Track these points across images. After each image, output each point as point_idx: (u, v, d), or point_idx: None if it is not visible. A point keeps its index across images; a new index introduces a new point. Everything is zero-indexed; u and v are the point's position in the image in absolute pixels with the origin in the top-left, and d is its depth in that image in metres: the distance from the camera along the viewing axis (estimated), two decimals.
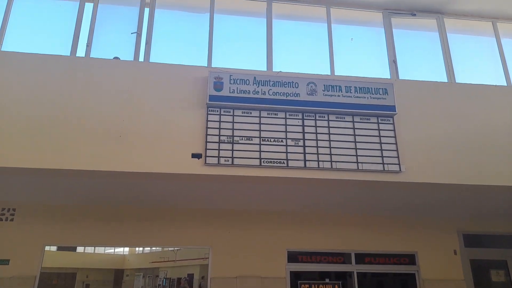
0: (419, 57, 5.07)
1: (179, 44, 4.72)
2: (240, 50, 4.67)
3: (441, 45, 5.00)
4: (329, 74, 4.28)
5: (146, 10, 4.62)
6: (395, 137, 3.72)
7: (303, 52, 4.87)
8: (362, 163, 3.57)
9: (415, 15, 5.13)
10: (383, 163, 3.61)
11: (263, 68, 4.21)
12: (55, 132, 3.43)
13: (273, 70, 4.12)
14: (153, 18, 4.61)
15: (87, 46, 4.41)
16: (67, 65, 3.76)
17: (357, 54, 4.97)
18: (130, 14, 4.63)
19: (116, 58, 4.01)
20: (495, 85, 4.36)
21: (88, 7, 4.65)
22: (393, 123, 3.77)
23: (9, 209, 4.70)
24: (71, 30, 4.42)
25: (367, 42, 5.18)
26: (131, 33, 4.40)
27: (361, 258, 4.90)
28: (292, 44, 4.89)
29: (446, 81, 4.62)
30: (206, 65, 4.05)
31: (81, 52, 4.29)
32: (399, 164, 3.63)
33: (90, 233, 4.60)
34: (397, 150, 3.69)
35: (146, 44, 4.42)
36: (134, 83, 3.67)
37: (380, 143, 3.68)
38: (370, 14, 5.16)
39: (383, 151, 3.65)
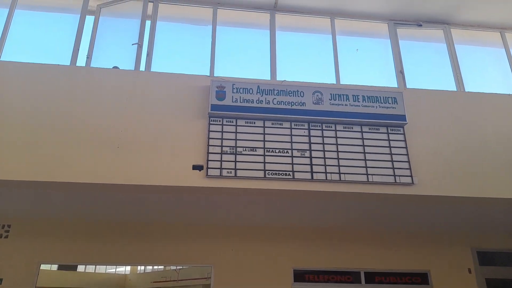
0: (425, 68, 4.96)
1: (180, 56, 4.64)
2: (243, 61, 4.58)
3: (449, 55, 4.89)
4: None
5: (148, 23, 4.57)
6: (406, 147, 3.55)
7: (307, 63, 4.77)
8: (372, 175, 3.40)
9: (421, 25, 5.04)
10: (394, 175, 3.43)
11: (267, 78, 4.09)
12: (50, 143, 3.30)
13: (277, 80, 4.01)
14: (155, 30, 4.54)
15: (87, 58, 4.33)
16: (65, 75, 3.66)
17: (363, 65, 4.87)
18: (131, 27, 4.56)
19: (115, 67, 3.91)
20: (508, 94, 4.21)
21: (89, 19, 4.60)
22: (403, 133, 3.61)
23: (4, 225, 4.52)
24: (71, 42, 4.36)
25: (373, 53, 5.08)
26: (132, 44, 4.32)
27: (371, 277, 4.64)
28: (296, 55, 4.79)
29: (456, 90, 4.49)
30: (208, 75, 3.94)
31: (81, 64, 4.22)
32: (411, 176, 3.45)
33: (88, 251, 4.39)
34: (408, 162, 3.51)
35: (147, 55, 4.33)
36: (133, 93, 3.56)
37: (391, 154, 3.51)
38: (375, 25, 5.08)
39: (394, 163, 3.48)
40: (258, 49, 4.74)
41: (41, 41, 4.59)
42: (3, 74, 3.58)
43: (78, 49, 4.33)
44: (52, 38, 4.64)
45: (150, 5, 4.62)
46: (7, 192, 3.67)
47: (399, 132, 3.60)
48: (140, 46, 4.28)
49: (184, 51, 4.63)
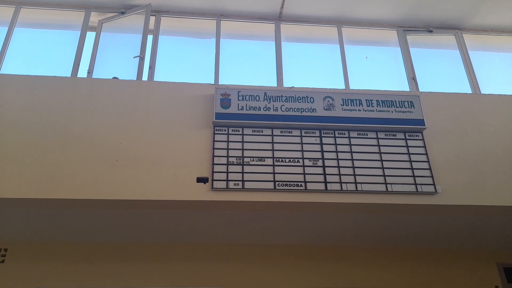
0: (438, 74, 4.76)
1: (184, 68, 4.51)
2: (248, 70, 4.43)
3: (462, 60, 4.70)
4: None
5: (150, 37, 4.46)
6: (426, 154, 3.29)
7: (315, 72, 4.61)
8: (391, 184, 3.13)
9: (431, 31, 4.88)
10: (415, 184, 3.16)
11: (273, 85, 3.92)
12: (47, 159, 3.12)
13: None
14: (157, 43, 4.44)
15: (88, 73, 4.22)
16: (65, 86, 3.52)
17: (373, 72, 4.69)
18: (133, 41, 4.46)
19: (115, 78, 3.77)
20: None
21: (90, 35, 4.52)
22: (422, 139, 3.36)
23: (0, 249, 4.30)
24: (72, 58, 4.26)
25: (382, 61, 4.91)
26: (134, 57, 4.21)
27: None
28: (303, 65, 4.64)
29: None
30: (213, 83, 3.77)
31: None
32: (433, 184, 3.17)
33: (88, 274, 4.10)
34: (430, 169, 3.24)
35: (149, 68, 4.21)
36: (135, 103, 3.38)
37: (410, 161, 3.25)
38: (384, 33, 4.93)
39: (414, 170, 3.21)
40: (263, 59, 4.60)
41: (41, 58, 4.50)
42: (4, 87, 3.45)
43: (79, 65, 4.23)
44: (52, 55, 4.55)
45: (152, 18, 4.54)
46: (3, 213, 3.47)
47: (417, 137, 3.35)
48: (142, 59, 4.16)
49: (187, 63, 4.51)
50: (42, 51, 4.51)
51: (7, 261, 4.20)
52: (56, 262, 4.17)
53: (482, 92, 4.37)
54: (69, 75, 4.07)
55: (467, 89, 4.46)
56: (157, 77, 4.14)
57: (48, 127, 3.25)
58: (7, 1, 4.44)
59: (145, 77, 4.06)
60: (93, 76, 4.13)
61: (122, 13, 4.53)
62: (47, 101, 3.39)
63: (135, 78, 3.96)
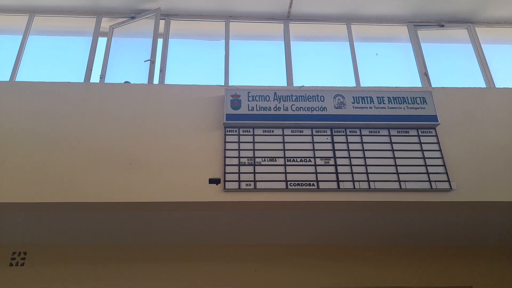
0: (450, 69, 4.69)
1: (194, 70, 4.54)
2: (258, 71, 4.44)
3: (475, 54, 4.61)
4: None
5: (160, 41, 4.51)
6: (440, 150, 3.24)
7: (325, 71, 4.59)
8: (405, 181, 3.09)
9: (443, 26, 4.80)
10: (429, 181, 3.11)
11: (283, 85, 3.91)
12: (63, 163, 3.18)
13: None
14: (167, 47, 4.49)
15: (100, 78, 4.29)
16: (77, 92, 3.58)
17: (384, 69, 4.64)
18: (144, 45, 4.51)
19: (126, 82, 3.82)
20: None
21: (102, 41, 4.59)
22: (436, 135, 3.31)
23: (19, 252, 4.38)
24: (84, 64, 4.34)
25: (393, 57, 4.86)
26: (145, 61, 4.26)
27: None
28: (313, 64, 4.62)
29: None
30: (223, 84, 3.79)
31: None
32: (448, 181, 3.12)
33: (106, 276, 4.17)
34: (444, 165, 3.19)
35: (160, 71, 4.25)
36: (146, 107, 3.42)
37: (424, 157, 3.21)
38: (394, 29, 4.88)
39: (428, 167, 3.17)
40: (273, 59, 4.60)
41: (55, 64, 4.59)
42: (16, 94, 3.53)
43: (91, 70, 4.31)
44: (66, 61, 4.63)
45: (162, 22, 4.59)
46: (22, 217, 3.55)
47: (431, 134, 3.30)
48: (152, 62, 4.21)
49: (197, 66, 4.54)
50: (56, 57, 4.60)
51: (26, 264, 4.30)
52: (75, 264, 4.24)
53: (496, 86, 4.28)
54: (82, 80, 4.14)
55: (481, 83, 4.38)
56: (168, 80, 4.19)
57: (62, 133, 3.31)
58: (21, 10, 4.54)
59: (156, 80, 4.10)
60: (106, 81, 4.19)
61: (132, 18, 4.59)
62: (61, 107, 3.46)
63: (146, 82, 4.01)
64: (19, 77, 4.16)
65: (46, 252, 4.30)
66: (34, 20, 4.53)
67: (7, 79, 4.09)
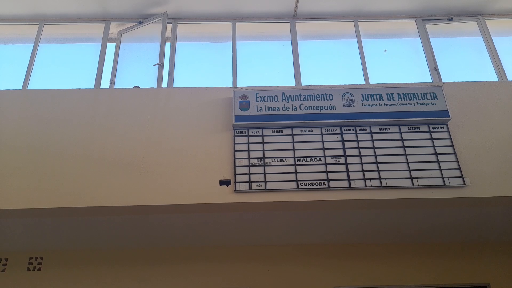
0: (460, 63, 4.61)
1: (202, 73, 4.57)
2: (265, 71, 4.43)
3: (486, 47, 4.53)
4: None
5: (167, 45, 4.55)
6: (452, 146, 3.20)
7: (333, 69, 4.56)
8: (417, 178, 3.06)
9: (452, 19, 4.74)
10: (442, 177, 3.07)
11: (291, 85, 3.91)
12: (74, 168, 3.23)
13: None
14: (175, 50, 4.52)
15: (110, 83, 4.34)
16: (88, 98, 3.63)
17: (393, 65, 4.59)
18: (152, 49, 4.55)
19: (136, 87, 3.86)
20: None
21: (110, 47, 4.65)
22: (447, 130, 3.27)
23: (36, 257, 4.46)
24: (94, 70, 4.39)
25: (402, 54, 4.81)
26: (153, 65, 4.29)
27: None
28: (321, 62, 4.60)
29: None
30: (231, 86, 3.80)
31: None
32: (462, 176, 3.08)
33: (120, 279, 4.21)
34: (457, 161, 3.15)
35: (169, 75, 4.28)
36: (155, 110, 3.46)
37: (436, 153, 3.17)
38: (402, 24, 4.83)
39: (440, 163, 3.13)
40: (280, 59, 4.59)
41: (66, 71, 4.66)
42: (28, 102, 3.60)
43: (101, 76, 4.36)
44: (76, 68, 4.70)
45: (169, 26, 4.62)
46: (39, 222, 3.61)
47: (442, 129, 3.26)
48: (161, 66, 4.24)
49: (205, 68, 4.56)
50: (66, 64, 4.67)
51: (43, 269, 4.37)
52: (92, 267, 4.30)
53: (509, 79, 4.21)
54: (92, 86, 4.20)
55: (493, 77, 4.31)
56: (177, 83, 4.22)
57: (75, 139, 3.36)
58: (31, 19, 4.63)
59: (164, 84, 4.13)
60: (115, 86, 4.24)
61: (140, 23, 4.64)
62: (72, 113, 3.51)
63: (155, 86, 4.04)
64: (31, 85, 4.23)
65: (62, 256, 4.37)
66: (44, 29, 4.61)
67: (20, 87, 4.17)
